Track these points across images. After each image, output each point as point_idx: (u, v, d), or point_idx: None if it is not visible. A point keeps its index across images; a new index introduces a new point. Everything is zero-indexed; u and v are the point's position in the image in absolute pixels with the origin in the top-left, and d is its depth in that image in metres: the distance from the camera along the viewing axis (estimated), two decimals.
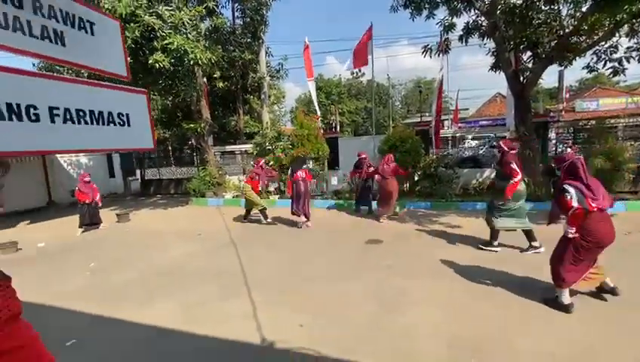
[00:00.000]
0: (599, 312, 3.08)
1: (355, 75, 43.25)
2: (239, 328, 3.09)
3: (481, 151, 10.25)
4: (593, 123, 8.39)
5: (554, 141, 9.15)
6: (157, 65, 7.31)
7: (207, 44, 8.63)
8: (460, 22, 16.86)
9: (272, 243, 5.97)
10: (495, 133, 10.93)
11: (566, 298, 3.10)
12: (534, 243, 4.64)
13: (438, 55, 8.88)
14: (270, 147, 10.44)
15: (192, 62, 7.73)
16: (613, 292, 3.22)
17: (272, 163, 9.93)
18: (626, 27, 6.97)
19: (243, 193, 7.93)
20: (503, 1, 7.64)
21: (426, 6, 8.13)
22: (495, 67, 8.85)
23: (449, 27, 8.31)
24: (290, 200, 7.01)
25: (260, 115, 13.78)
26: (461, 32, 8.46)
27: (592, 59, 7.68)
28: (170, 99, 12.03)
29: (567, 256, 3.08)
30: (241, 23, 11.94)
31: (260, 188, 7.87)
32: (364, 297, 3.63)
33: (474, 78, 70.99)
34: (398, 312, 3.27)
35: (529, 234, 4.67)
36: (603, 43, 7.24)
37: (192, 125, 10.53)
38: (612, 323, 2.89)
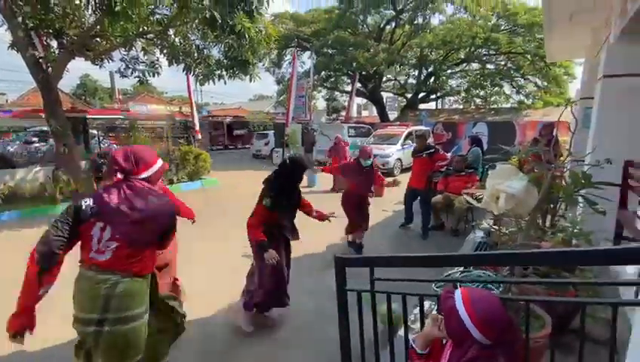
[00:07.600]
0: None
1: None
2: None
3: (11, 148, 8.22)
4: (126, 122, 9.46)
5: (99, 137, 9.28)
6: None
7: None
8: None
9: None
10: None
11: None
12: None
13: None
14: None
15: None
16: None
17: None
18: (140, 44, 8.30)
19: None
20: None
21: None
22: (13, 46, 7.29)
23: None
24: None
25: None
26: None
27: (122, 65, 8.47)
28: None
29: None
30: None
31: None
32: None
33: None
34: None
35: None
36: (125, 52, 8.16)
37: None
38: None
